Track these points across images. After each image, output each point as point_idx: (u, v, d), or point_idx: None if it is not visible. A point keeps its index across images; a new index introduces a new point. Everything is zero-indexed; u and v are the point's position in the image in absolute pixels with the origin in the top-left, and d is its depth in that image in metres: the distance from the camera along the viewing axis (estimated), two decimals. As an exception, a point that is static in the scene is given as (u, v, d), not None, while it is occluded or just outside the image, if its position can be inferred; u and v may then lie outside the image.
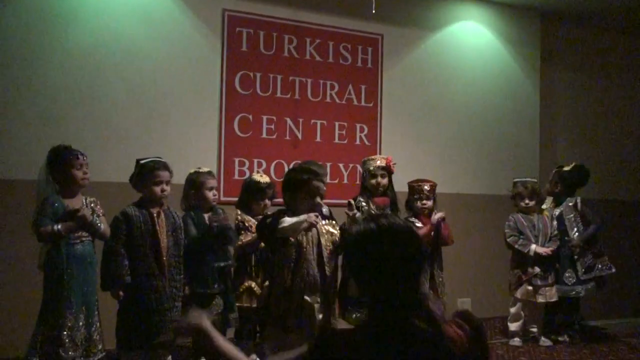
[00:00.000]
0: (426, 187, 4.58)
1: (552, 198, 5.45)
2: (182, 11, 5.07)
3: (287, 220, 3.32)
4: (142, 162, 3.82)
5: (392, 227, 1.66)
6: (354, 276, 1.80)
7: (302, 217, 3.34)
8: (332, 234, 3.50)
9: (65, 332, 3.44)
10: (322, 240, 3.42)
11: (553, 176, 5.41)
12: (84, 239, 3.58)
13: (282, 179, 3.67)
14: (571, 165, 5.40)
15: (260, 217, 3.90)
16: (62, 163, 3.61)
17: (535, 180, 5.28)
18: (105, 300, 3.73)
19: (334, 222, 3.60)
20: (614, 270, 5.22)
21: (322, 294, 3.42)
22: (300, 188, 3.39)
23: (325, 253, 3.42)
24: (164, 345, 3.70)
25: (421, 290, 1.70)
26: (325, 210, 3.62)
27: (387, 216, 1.73)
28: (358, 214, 3.90)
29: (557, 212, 5.30)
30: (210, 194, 4.02)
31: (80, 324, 3.51)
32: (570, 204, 5.31)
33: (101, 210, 3.74)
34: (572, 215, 5.26)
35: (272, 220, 3.39)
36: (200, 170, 4.09)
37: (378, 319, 1.65)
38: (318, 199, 3.42)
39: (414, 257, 1.66)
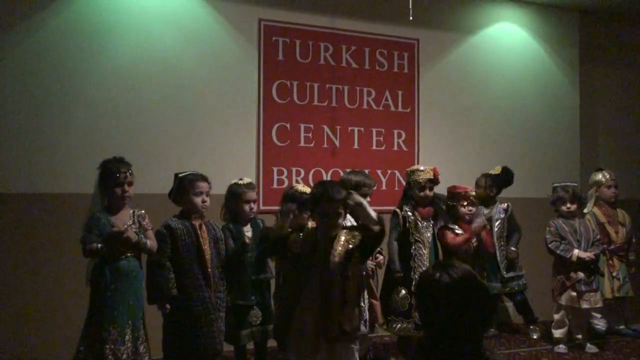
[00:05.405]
0: (473, 193, 4.63)
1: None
2: (218, 23, 5.13)
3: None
4: (181, 175, 3.89)
5: (470, 283, 1.71)
6: (422, 318, 1.84)
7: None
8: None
9: (107, 347, 3.45)
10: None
11: (486, 181, 5.42)
12: (128, 254, 3.61)
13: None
14: (499, 169, 5.47)
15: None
16: (106, 178, 3.65)
17: (576, 184, 5.19)
18: (151, 314, 3.77)
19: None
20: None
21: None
22: (315, 205, 3.20)
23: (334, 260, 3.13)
24: (213, 357, 3.75)
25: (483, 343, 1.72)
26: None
27: (464, 270, 1.77)
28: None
29: (486, 211, 5.36)
30: (246, 207, 4.02)
31: (126, 338, 3.51)
32: (503, 207, 5.46)
33: (150, 225, 3.75)
34: (501, 218, 5.42)
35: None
36: (240, 182, 4.10)
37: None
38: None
39: (485, 314, 1.72)
